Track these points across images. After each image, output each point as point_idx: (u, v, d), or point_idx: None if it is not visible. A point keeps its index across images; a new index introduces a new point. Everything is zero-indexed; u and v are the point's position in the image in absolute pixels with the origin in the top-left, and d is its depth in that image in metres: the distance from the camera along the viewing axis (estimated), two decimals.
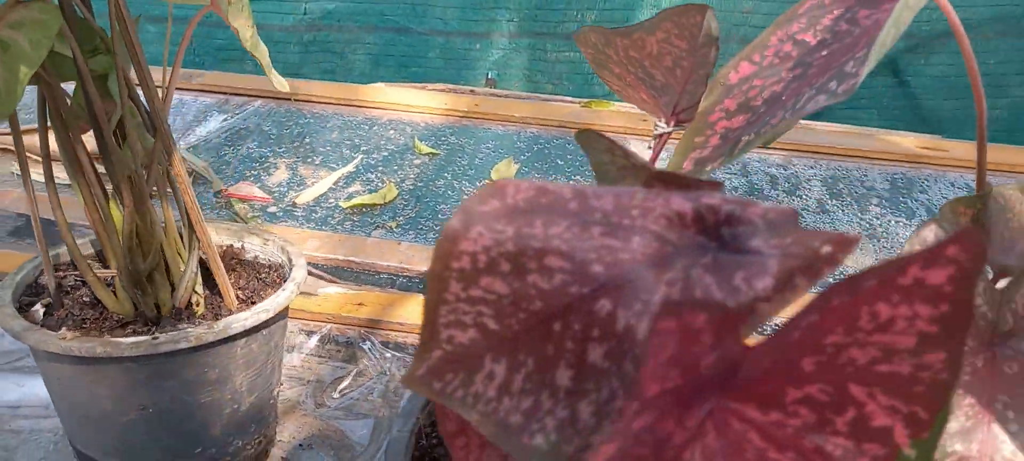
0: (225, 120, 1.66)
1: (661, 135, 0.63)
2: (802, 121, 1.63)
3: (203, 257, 0.84)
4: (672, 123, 0.63)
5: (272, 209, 1.35)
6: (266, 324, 0.79)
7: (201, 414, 0.77)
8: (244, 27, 0.82)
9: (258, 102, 1.71)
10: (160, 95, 0.83)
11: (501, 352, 0.31)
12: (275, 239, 0.94)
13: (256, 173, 1.47)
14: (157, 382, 0.73)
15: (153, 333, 0.73)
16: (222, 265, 0.86)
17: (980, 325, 0.41)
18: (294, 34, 2.09)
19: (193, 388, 0.75)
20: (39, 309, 0.77)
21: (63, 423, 0.80)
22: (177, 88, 1.76)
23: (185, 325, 0.78)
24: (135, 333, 0.77)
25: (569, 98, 1.78)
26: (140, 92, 0.81)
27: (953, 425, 0.40)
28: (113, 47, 0.75)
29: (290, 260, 0.90)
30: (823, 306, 0.26)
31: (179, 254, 0.87)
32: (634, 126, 1.60)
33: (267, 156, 1.53)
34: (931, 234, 0.45)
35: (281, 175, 1.47)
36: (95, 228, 0.80)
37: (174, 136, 1.62)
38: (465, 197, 1.39)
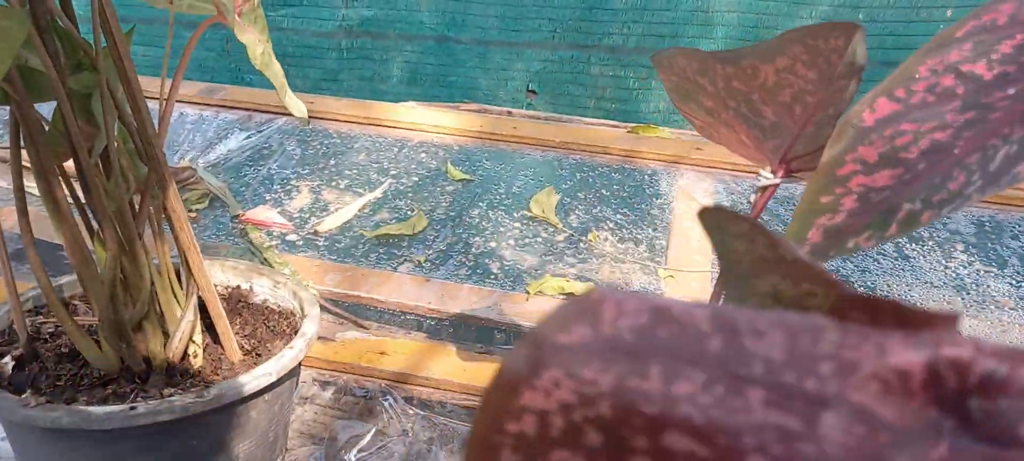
0: (247, 138, 1.56)
1: (766, 187, 0.50)
2: None
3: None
4: (781, 173, 0.50)
5: (291, 237, 1.24)
6: (268, 389, 0.67)
7: None
8: (254, 43, 0.70)
9: (282, 120, 1.61)
10: (161, 109, 0.72)
11: None
12: (287, 282, 0.82)
13: (277, 196, 1.37)
14: (136, 457, 0.61)
15: (132, 400, 0.62)
16: (223, 311, 0.75)
17: None
18: (332, 40, 2.00)
19: None
20: (8, 362, 0.66)
21: None
22: (198, 103, 1.67)
23: (172, 388, 0.66)
24: (115, 394, 0.65)
25: (612, 122, 1.65)
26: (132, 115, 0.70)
27: None
28: (96, 62, 0.64)
29: (302, 309, 0.78)
30: None
31: (176, 298, 0.76)
32: (686, 155, 1.47)
33: (289, 178, 1.42)
34: None
35: (303, 199, 1.36)
36: (77, 270, 0.69)
37: (193, 155, 1.53)
38: (502, 229, 1.27)
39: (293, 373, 0.72)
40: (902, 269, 1.21)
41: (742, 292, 0.31)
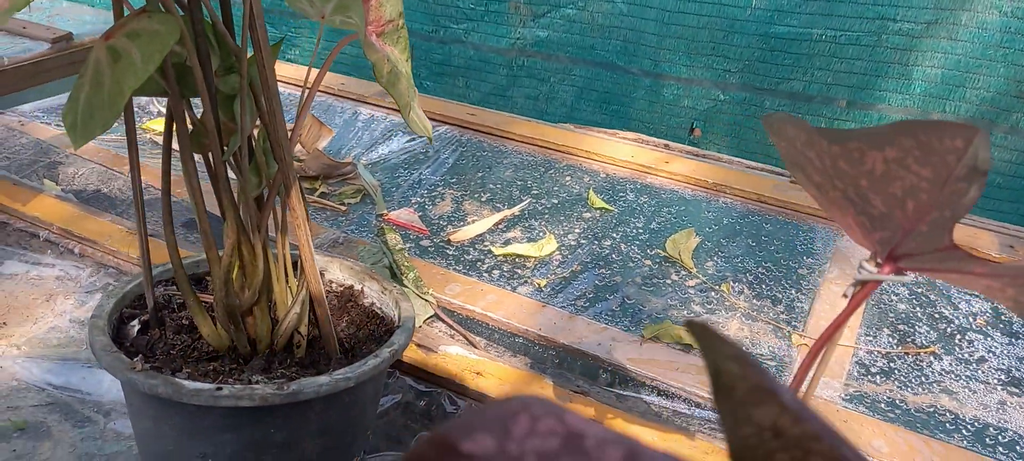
0: (409, 141, 1.64)
1: (865, 283, 0.44)
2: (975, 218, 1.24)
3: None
4: (888, 270, 0.44)
5: (425, 242, 1.29)
6: (346, 391, 0.70)
7: None
8: (381, 62, 0.74)
9: (444, 128, 1.68)
10: (301, 101, 0.78)
11: None
12: (392, 290, 0.85)
13: (422, 201, 1.42)
14: (218, 434, 0.66)
15: (221, 380, 0.67)
16: (327, 308, 0.79)
17: None
18: (505, 58, 2.06)
19: (256, 446, 0.67)
20: (135, 325, 0.74)
21: (138, 446, 0.76)
22: (372, 104, 1.78)
23: (265, 374, 0.71)
24: (216, 370, 0.71)
25: (775, 168, 1.55)
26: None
27: None
28: (240, 68, 0.70)
29: (399, 319, 0.80)
30: None
31: (290, 290, 0.81)
32: None
33: (437, 185, 1.48)
34: None
35: (445, 207, 1.40)
36: (206, 252, 0.76)
37: (358, 152, 1.63)
38: (631, 265, 1.23)
39: (375, 380, 0.75)
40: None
41: (738, 420, 0.28)
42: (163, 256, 0.79)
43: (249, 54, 0.72)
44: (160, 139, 1.49)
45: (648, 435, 0.87)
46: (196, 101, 0.72)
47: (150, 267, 0.74)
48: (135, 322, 0.75)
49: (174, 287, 0.83)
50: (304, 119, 0.81)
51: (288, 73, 1.83)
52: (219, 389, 0.64)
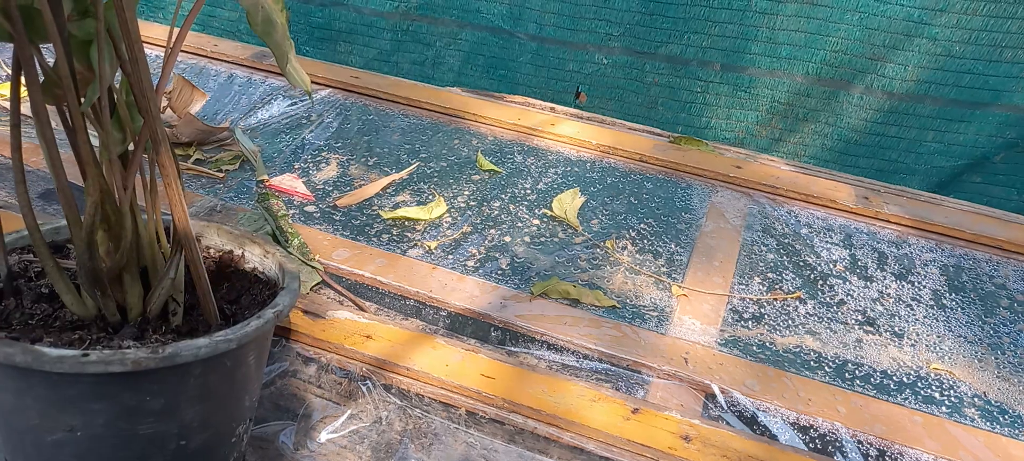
0: (291, 106, 1.58)
1: None
2: (926, 193, 1.38)
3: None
4: None
5: (310, 208, 1.25)
6: (228, 354, 0.67)
7: (139, 445, 0.65)
8: (254, 7, 0.70)
9: (326, 91, 1.63)
10: (165, 59, 0.73)
11: None
12: (275, 252, 0.82)
13: (306, 166, 1.38)
14: (86, 404, 0.62)
15: (87, 347, 0.62)
16: (205, 273, 0.75)
17: None
18: (389, 21, 2.01)
19: (130, 415, 0.64)
20: None
21: None
22: (248, 67, 1.70)
23: (137, 342, 0.67)
24: (81, 339, 0.66)
25: (655, 130, 1.61)
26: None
27: None
28: (96, 10, 0.65)
29: (283, 281, 0.78)
30: None
31: (164, 254, 0.76)
32: (724, 172, 1.42)
33: (321, 150, 1.44)
34: None
35: (330, 172, 1.37)
36: (65, 214, 0.70)
37: (235, 117, 1.56)
38: (519, 225, 1.25)
39: (259, 342, 0.72)
40: (937, 320, 1.14)
41: None
42: (20, 225, 0.73)
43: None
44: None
45: (538, 387, 0.89)
46: (49, 50, 0.66)
47: (0, 230, 0.68)
48: None
49: (32, 255, 0.76)
50: (169, 71, 0.76)
51: (155, 34, 1.72)
52: (86, 355, 0.59)
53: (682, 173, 1.44)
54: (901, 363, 1.05)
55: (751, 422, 0.91)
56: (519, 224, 1.26)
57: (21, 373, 0.60)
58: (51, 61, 0.67)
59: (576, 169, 1.44)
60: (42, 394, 0.61)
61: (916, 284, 1.21)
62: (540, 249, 1.20)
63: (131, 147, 0.72)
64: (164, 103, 1.52)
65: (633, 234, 1.27)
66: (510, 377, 0.90)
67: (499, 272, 1.13)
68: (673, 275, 1.18)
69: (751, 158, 1.51)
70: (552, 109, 1.65)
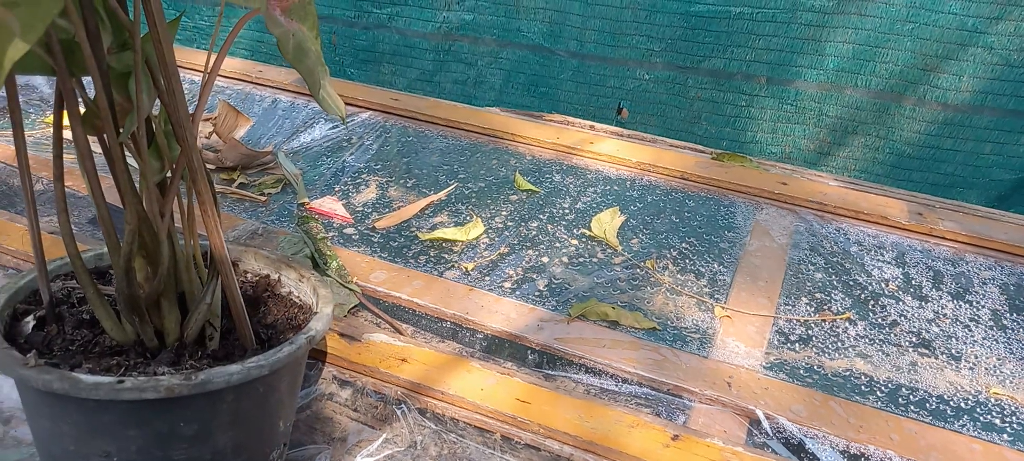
0: (332, 129, 1.60)
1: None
2: (984, 208, 1.32)
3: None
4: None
5: (349, 230, 1.26)
6: (260, 380, 0.67)
7: None
8: (286, 36, 0.71)
9: (366, 114, 1.64)
10: (202, 84, 0.74)
11: None
12: (310, 277, 0.83)
13: (346, 189, 1.39)
14: (121, 430, 0.63)
15: (122, 374, 0.63)
16: (240, 298, 0.76)
17: None
18: (432, 42, 2.03)
19: (164, 441, 0.64)
20: (29, 322, 0.70)
21: (37, 449, 0.72)
22: (292, 92, 1.73)
23: (173, 367, 0.68)
24: (119, 365, 0.67)
25: (697, 146, 1.58)
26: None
27: None
28: (134, 44, 0.66)
29: (317, 306, 0.78)
30: None
31: (201, 279, 0.77)
32: (769, 188, 1.38)
33: (361, 172, 1.45)
34: None
35: (370, 194, 1.38)
36: (106, 241, 0.72)
37: (278, 140, 1.58)
38: (557, 245, 1.23)
39: (292, 368, 0.72)
40: (995, 340, 1.08)
41: None
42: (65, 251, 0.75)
43: (145, 33, 0.69)
44: None
45: (575, 412, 0.87)
46: (90, 82, 0.68)
47: (43, 257, 0.70)
48: (30, 318, 0.70)
49: (74, 281, 0.78)
50: (205, 99, 0.77)
51: (194, 60, 1.76)
52: (121, 382, 0.60)
53: (725, 190, 1.41)
54: (959, 388, 1.00)
55: (798, 450, 0.88)
56: (557, 244, 1.25)
57: (58, 399, 0.62)
58: (92, 94, 0.68)
59: (616, 188, 1.42)
60: (78, 420, 0.62)
61: (974, 304, 1.16)
62: (578, 270, 1.19)
63: (168, 175, 0.73)
64: (210, 129, 1.55)
65: (674, 254, 1.24)
66: (546, 401, 0.88)
67: (536, 293, 1.12)
68: (716, 296, 1.15)
69: (797, 174, 1.47)
70: (591, 127, 1.64)
